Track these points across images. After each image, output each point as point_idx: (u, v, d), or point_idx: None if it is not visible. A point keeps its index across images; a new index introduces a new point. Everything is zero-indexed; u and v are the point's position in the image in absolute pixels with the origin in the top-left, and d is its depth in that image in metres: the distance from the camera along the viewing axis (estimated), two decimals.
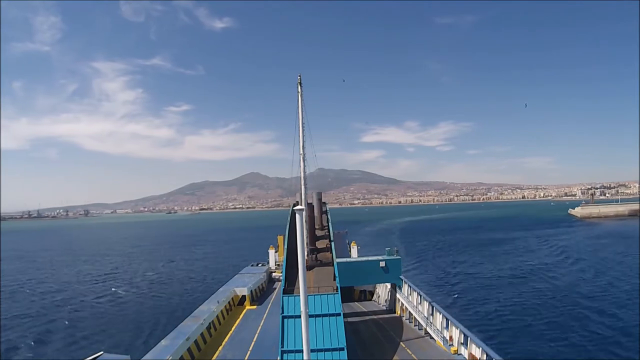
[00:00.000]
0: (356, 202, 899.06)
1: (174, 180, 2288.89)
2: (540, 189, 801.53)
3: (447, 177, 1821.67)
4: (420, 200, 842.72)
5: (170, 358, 22.10)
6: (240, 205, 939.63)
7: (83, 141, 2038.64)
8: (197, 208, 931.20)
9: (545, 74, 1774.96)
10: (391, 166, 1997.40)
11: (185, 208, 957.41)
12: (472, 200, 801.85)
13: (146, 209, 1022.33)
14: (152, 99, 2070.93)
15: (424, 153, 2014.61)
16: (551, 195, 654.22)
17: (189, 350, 24.77)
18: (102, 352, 22.36)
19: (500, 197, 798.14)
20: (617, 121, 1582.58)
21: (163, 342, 24.50)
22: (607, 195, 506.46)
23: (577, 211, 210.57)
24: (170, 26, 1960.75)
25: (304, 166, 32.03)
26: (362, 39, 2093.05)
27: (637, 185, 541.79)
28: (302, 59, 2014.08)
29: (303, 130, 31.85)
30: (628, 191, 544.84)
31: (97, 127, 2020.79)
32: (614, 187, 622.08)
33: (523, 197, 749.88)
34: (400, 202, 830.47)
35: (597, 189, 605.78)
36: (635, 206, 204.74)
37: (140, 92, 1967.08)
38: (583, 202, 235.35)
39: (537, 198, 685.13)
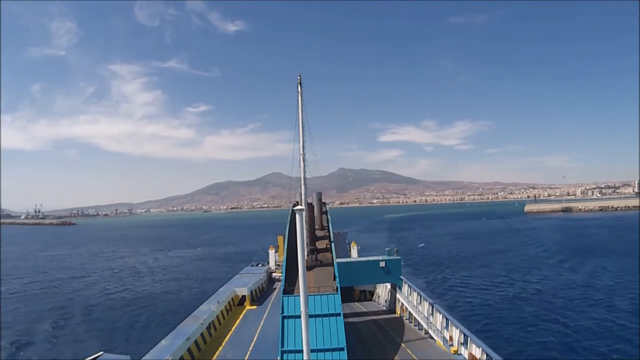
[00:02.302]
0: (375, 201, 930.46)
1: (195, 180, 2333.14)
2: (552, 188, 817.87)
3: (466, 177, 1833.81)
4: (434, 200, 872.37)
5: (170, 358, 21.98)
6: (267, 205, 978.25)
7: (102, 142, 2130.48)
8: (225, 207, 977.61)
9: (564, 70, 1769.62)
10: (411, 165, 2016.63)
11: (214, 207, 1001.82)
12: (482, 199, 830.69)
13: (175, 208, 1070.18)
14: (170, 100, 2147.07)
15: (443, 152, 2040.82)
16: (555, 195, 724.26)
17: (189, 350, 24.72)
18: (102, 352, 22.23)
19: (508, 196, 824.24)
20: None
21: (163, 342, 24.38)
22: (598, 195, 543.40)
23: (526, 208, 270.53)
24: (185, 29, 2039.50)
25: (304, 166, 32.83)
26: (376, 40, 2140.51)
27: (637, 184, 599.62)
28: (316, 57, 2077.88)
29: (303, 130, 32.21)
30: (627, 190, 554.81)
31: (116, 128, 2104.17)
32: (618, 187, 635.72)
33: (528, 196, 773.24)
34: (415, 202, 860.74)
35: (601, 188, 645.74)
36: (567, 204, 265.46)
37: (160, 94, 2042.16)
38: (528, 202, 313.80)
39: (542, 197, 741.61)
